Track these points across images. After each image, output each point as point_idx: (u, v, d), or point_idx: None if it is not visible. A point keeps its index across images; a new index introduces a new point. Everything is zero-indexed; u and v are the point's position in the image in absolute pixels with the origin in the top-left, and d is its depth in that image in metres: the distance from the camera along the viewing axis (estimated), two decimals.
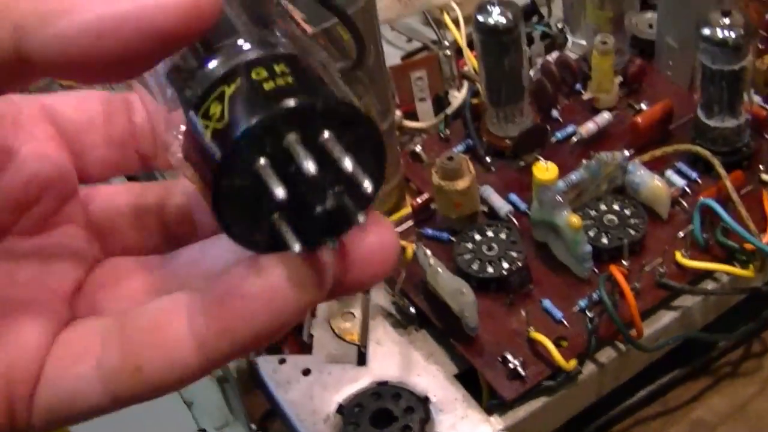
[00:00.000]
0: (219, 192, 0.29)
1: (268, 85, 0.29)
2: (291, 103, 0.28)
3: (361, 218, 0.29)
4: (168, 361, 0.30)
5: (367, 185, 0.29)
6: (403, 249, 0.68)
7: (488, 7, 0.69)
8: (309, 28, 0.33)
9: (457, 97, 0.80)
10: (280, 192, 0.28)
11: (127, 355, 0.31)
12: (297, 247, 0.29)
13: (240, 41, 0.30)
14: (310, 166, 0.28)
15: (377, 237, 0.31)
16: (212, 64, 0.30)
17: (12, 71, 0.28)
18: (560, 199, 0.65)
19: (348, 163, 0.28)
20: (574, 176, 0.69)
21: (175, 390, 0.31)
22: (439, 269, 0.64)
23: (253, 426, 0.71)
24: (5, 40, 0.28)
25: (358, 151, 0.29)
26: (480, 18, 0.69)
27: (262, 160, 0.28)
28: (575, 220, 0.64)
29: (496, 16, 0.69)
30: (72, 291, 0.34)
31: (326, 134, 0.29)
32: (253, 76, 0.29)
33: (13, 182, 0.34)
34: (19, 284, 0.33)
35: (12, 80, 0.29)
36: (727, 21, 0.66)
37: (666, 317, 0.67)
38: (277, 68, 0.29)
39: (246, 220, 0.30)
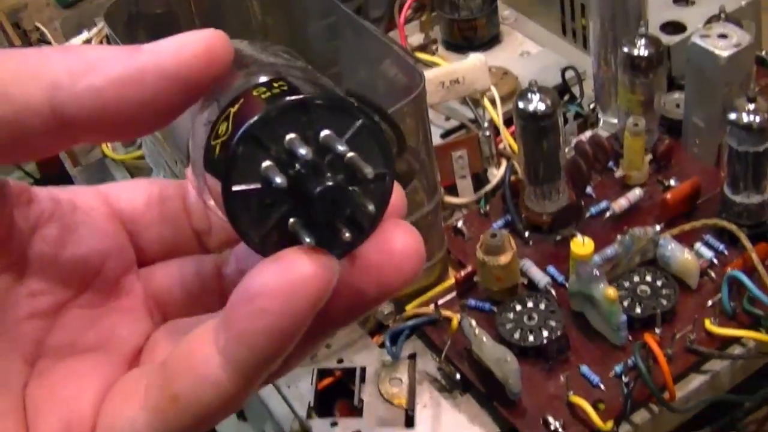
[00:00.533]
0: (229, 197, 0.29)
1: (265, 95, 0.30)
2: (283, 101, 0.29)
3: (370, 207, 0.30)
4: (199, 381, 0.30)
5: (368, 171, 0.29)
6: (449, 320, 0.73)
7: (528, 94, 0.74)
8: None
9: (496, 174, 0.85)
10: (280, 180, 0.28)
11: (164, 387, 0.31)
12: (308, 240, 0.29)
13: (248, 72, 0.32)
14: (305, 151, 0.29)
15: (401, 239, 0.31)
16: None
17: (49, 129, 0.30)
18: (597, 273, 0.69)
19: (343, 148, 0.29)
20: (609, 251, 0.74)
21: (219, 415, 0.31)
22: (484, 338, 0.69)
23: None
24: (41, 98, 0.30)
25: (361, 143, 0.30)
26: (521, 104, 0.74)
27: (266, 162, 0.29)
28: (612, 292, 0.68)
29: (536, 103, 0.74)
30: (132, 351, 0.36)
31: (325, 132, 0.29)
32: (254, 93, 0.30)
33: (75, 256, 0.35)
34: (86, 338, 0.35)
35: (51, 140, 0.31)
36: (752, 107, 0.71)
37: (696, 381, 0.71)
38: (276, 84, 0.30)
39: (263, 228, 0.30)
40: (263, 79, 0.31)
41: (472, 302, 0.76)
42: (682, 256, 0.73)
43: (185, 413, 0.31)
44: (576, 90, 0.93)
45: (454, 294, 0.78)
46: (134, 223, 0.37)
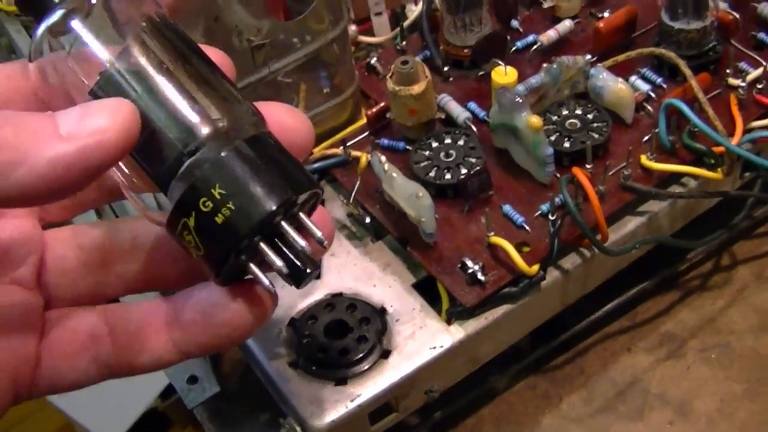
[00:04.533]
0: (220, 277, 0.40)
1: (218, 219, 0.38)
2: (241, 232, 0.38)
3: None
4: (154, 360, 0.42)
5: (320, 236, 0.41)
6: (358, 158, 0.66)
7: None
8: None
9: (414, 11, 0.77)
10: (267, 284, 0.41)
11: (119, 356, 0.42)
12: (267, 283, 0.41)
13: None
14: (279, 262, 0.40)
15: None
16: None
17: None
18: (520, 99, 0.62)
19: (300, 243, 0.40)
20: (534, 80, 0.66)
21: None
22: (394, 174, 0.62)
23: None
24: None
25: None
26: None
27: (243, 257, 0.40)
28: (535, 120, 0.61)
29: None
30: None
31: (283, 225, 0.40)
32: (203, 208, 0.38)
33: None
34: None
35: None
36: None
37: (632, 223, 0.64)
38: (215, 192, 0.37)
39: (232, 274, 0.41)
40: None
41: (385, 141, 0.68)
42: (615, 86, 0.66)
43: (135, 372, 0.43)
44: None
45: (366, 134, 0.70)
46: None
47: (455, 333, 0.60)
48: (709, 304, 0.71)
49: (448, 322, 0.60)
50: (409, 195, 0.61)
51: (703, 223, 0.69)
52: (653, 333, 0.70)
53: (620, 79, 0.67)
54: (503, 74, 0.66)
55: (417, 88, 0.65)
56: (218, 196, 0.37)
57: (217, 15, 0.60)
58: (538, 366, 0.69)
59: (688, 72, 0.66)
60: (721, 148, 0.64)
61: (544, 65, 0.67)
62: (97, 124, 0.35)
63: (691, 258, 0.72)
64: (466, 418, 0.67)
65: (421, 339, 0.60)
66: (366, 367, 0.58)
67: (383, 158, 0.62)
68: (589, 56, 0.68)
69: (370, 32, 0.78)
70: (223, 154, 0.38)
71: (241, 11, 0.61)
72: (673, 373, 0.67)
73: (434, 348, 0.59)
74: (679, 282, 0.72)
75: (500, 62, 0.66)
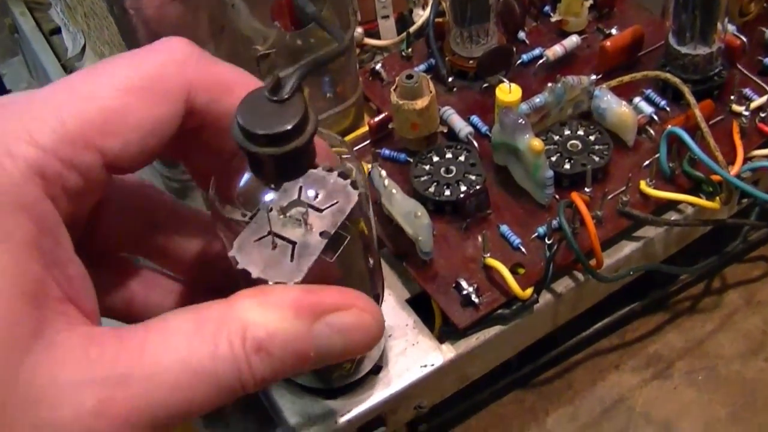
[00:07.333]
0: None
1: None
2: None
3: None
4: None
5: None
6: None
7: None
8: None
9: (422, 15, 0.77)
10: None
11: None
12: None
13: None
14: None
15: None
16: None
17: None
18: (522, 121, 0.62)
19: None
20: (538, 99, 0.66)
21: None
22: (394, 190, 0.62)
23: None
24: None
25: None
26: None
27: None
28: (537, 143, 0.61)
29: None
30: None
31: None
32: None
33: None
34: None
35: None
36: None
37: (627, 248, 0.65)
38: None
39: None
40: None
41: (386, 152, 0.68)
42: (618, 109, 0.66)
43: None
44: None
45: (368, 143, 0.70)
46: None
47: (447, 352, 0.60)
48: (698, 327, 0.71)
49: (440, 340, 0.61)
50: (407, 212, 0.61)
51: (696, 245, 0.70)
52: (641, 352, 0.70)
53: (624, 102, 0.67)
54: (507, 92, 0.66)
55: (420, 103, 0.65)
56: None
57: (224, 25, 0.60)
58: (526, 379, 0.69)
59: (692, 100, 0.66)
60: (719, 178, 0.64)
61: (549, 85, 0.67)
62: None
63: (682, 280, 0.72)
64: (453, 428, 0.68)
65: (412, 356, 0.60)
66: (357, 383, 0.59)
67: (384, 173, 0.63)
68: (593, 77, 0.68)
69: (375, 33, 0.78)
70: None
71: (248, 20, 0.60)
72: (659, 394, 0.68)
73: (425, 366, 0.60)
74: (669, 303, 0.72)
75: (504, 80, 0.66)
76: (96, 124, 0.37)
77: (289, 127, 0.38)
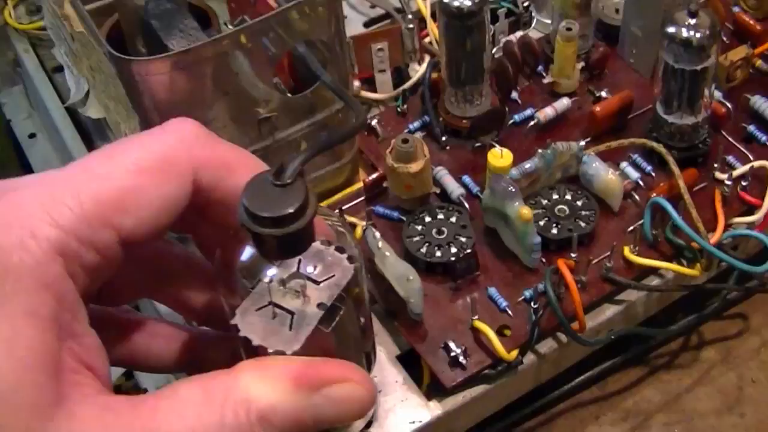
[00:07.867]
0: None
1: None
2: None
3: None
4: None
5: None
6: (353, 226, 0.68)
7: None
8: None
9: (418, 71, 0.79)
10: None
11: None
12: None
13: None
14: None
15: None
16: None
17: None
18: (512, 189, 0.64)
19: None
20: (528, 165, 0.69)
21: None
22: (387, 253, 0.64)
23: None
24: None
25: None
26: None
27: None
28: (526, 212, 0.64)
29: None
30: None
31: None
32: None
33: None
34: None
35: None
36: (693, 21, 0.66)
37: (609, 311, 0.67)
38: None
39: None
40: None
41: (380, 209, 0.71)
42: (606, 176, 0.69)
43: None
44: None
45: (362, 199, 0.72)
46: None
47: (434, 409, 0.63)
48: (675, 381, 0.74)
49: (428, 397, 0.63)
50: (399, 275, 0.63)
51: (675, 303, 0.72)
52: (621, 405, 0.72)
53: (611, 170, 0.69)
54: (499, 156, 0.68)
55: (415, 167, 0.67)
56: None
57: (228, 90, 0.62)
58: (509, 428, 0.71)
59: (676, 171, 0.68)
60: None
61: (539, 151, 0.69)
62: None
63: (660, 337, 0.74)
64: None
65: (401, 413, 0.62)
66: None
67: (377, 234, 0.65)
68: (582, 142, 0.70)
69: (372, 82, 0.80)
70: None
71: (251, 85, 0.62)
72: None
73: (413, 422, 0.62)
74: (649, 358, 0.75)
75: (496, 144, 0.69)
76: (112, 203, 0.40)
77: (291, 211, 0.41)
